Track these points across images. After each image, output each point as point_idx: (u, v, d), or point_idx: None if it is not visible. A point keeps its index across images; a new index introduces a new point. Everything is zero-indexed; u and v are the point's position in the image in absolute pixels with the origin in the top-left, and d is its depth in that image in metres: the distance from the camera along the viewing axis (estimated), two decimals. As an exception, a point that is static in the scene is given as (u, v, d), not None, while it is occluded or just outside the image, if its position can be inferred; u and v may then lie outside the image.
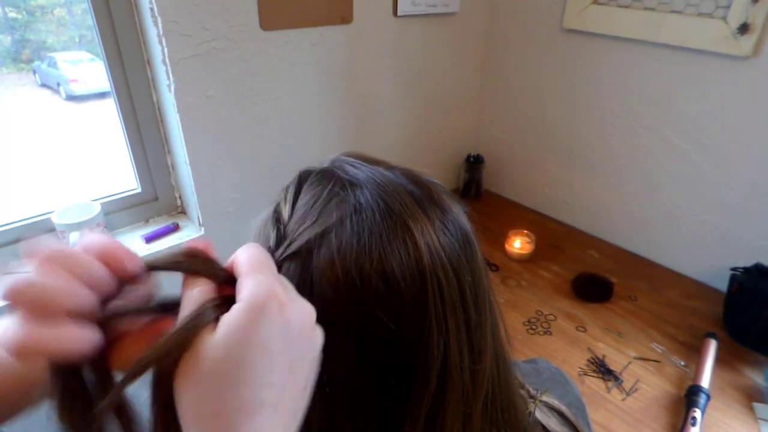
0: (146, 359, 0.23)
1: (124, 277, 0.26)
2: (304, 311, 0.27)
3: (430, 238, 0.33)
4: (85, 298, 0.24)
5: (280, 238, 0.34)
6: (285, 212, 0.36)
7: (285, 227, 0.35)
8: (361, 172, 0.36)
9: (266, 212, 0.39)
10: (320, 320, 0.32)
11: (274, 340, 0.24)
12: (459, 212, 0.36)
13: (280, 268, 0.33)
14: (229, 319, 0.23)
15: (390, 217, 0.33)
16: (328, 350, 0.33)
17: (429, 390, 0.33)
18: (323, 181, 0.36)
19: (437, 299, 0.32)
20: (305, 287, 0.32)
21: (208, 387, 0.23)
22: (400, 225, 0.32)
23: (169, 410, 0.23)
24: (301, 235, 0.33)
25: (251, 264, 0.26)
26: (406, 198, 0.34)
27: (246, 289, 0.24)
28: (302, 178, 0.38)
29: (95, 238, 0.26)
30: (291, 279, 0.32)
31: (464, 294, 0.34)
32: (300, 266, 0.33)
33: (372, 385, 0.33)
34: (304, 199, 0.36)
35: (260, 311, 0.24)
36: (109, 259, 0.25)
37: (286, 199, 0.37)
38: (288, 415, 0.25)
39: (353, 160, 0.38)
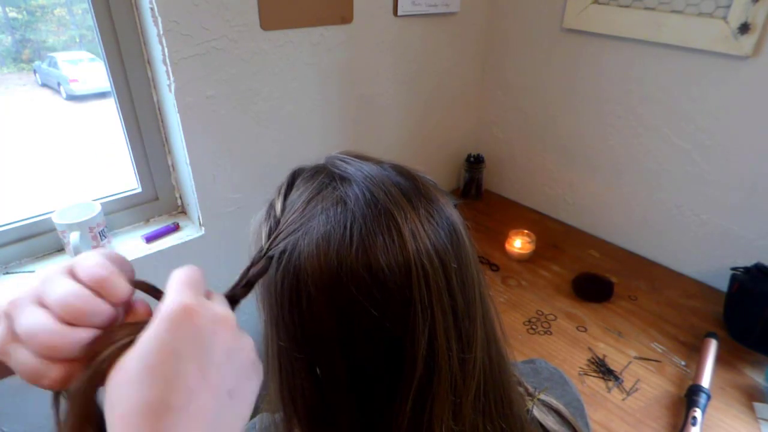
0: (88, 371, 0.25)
1: (116, 305, 0.28)
2: (219, 319, 0.27)
3: (415, 226, 0.33)
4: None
5: (272, 230, 0.35)
6: (278, 207, 0.37)
7: (277, 221, 0.36)
8: (350, 167, 0.37)
9: (262, 212, 0.39)
10: (308, 308, 0.33)
11: (183, 346, 0.25)
12: (446, 203, 0.37)
13: (270, 260, 0.34)
14: (144, 334, 0.25)
15: (375, 206, 0.33)
16: (316, 337, 0.33)
17: (416, 376, 0.33)
18: (314, 177, 0.38)
19: (422, 286, 0.32)
20: (292, 277, 0.33)
21: (120, 391, 0.24)
22: (384, 214, 0.33)
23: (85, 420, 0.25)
24: (288, 226, 0.34)
25: (173, 284, 0.28)
26: (391, 188, 0.35)
27: (161, 305, 0.26)
28: (295, 175, 0.40)
29: (90, 264, 0.27)
30: (279, 269, 0.33)
31: (450, 281, 0.34)
32: (287, 256, 0.33)
33: (360, 371, 0.34)
34: (296, 194, 0.37)
35: (169, 321, 0.25)
36: (102, 290, 0.27)
37: (279, 195, 0.38)
38: (206, 422, 0.25)
39: (344, 156, 0.39)
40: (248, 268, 0.33)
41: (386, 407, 0.34)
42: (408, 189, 0.36)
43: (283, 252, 0.34)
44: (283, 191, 0.38)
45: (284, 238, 0.34)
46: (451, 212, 0.37)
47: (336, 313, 0.33)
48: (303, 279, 0.33)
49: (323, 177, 0.37)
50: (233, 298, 0.32)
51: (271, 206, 0.38)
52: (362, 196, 0.34)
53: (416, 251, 0.32)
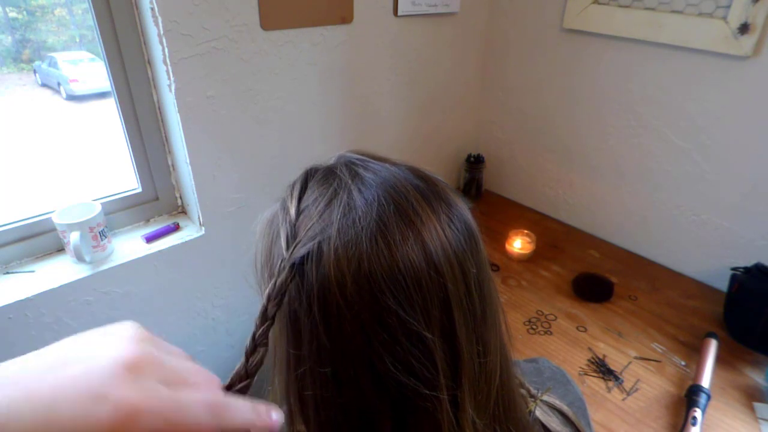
0: None
1: None
2: None
3: (436, 231, 0.33)
4: None
5: (290, 237, 0.34)
6: (292, 210, 0.36)
7: (294, 226, 0.35)
8: (366, 169, 0.36)
9: (270, 211, 0.39)
10: (332, 319, 0.32)
11: None
12: (463, 207, 0.37)
13: (291, 268, 0.33)
14: None
15: (396, 211, 0.33)
16: (340, 350, 0.33)
17: (442, 382, 0.33)
18: (329, 178, 0.37)
19: (444, 291, 0.32)
20: (318, 288, 0.32)
21: None
22: (405, 219, 0.33)
23: None
24: (307, 234, 0.33)
25: None
26: (411, 192, 0.34)
27: None
28: (308, 176, 0.38)
29: None
30: (300, 276, 0.33)
31: (469, 285, 0.34)
32: (309, 266, 0.33)
33: (384, 379, 0.33)
34: (311, 197, 0.36)
35: None
36: None
37: (291, 196, 0.37)
38: None
39: (359, 156, 0.39)
40: (275, 281, 0.32)
41: (409, 412, 0.33)
42: (427, 192, 0.35)
43: (303, 260, 0.33)
44: (296, 193, 0.37)
45: (303, 245, 0.33)
46: (468, 216, 0.36)
47: (361, 322, 0.32)
48: (327, 290, 0.32)
49: (338, 181, 0.36)
50: (267, 315, 0.32)
51: (285, 209, 0.36)
52: (382, 201, 0.33)
53: (438, 256, 0.32)
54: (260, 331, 0.32)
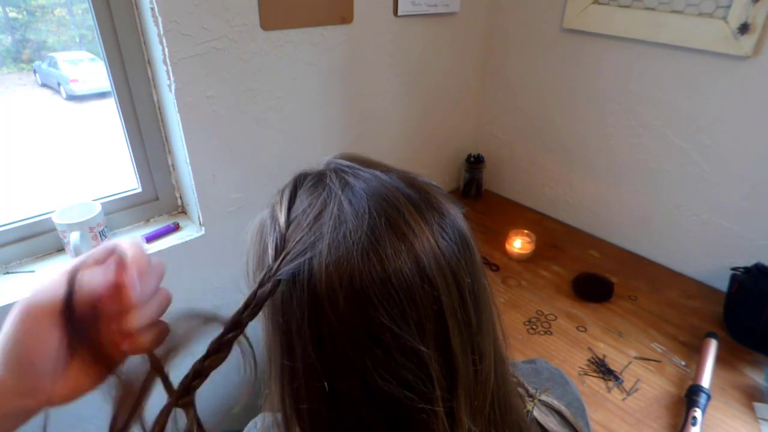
0: None
1: None
2: None
3: (429, 243, 0.32)
4: None
5: (279, 248, 0.34)
6: (281, 218, 0.35)
7: (283, 236, 0.34)
8: (356, 177, 0.36)
9: (259, 218, 0.38)
10: (325, 334, 0.32)
11: None
12: (457, 215, 0.36)
13: (279, 282, 0.32)
14: None
15: (387, 224, 0.32)
16: (334, 363, 0.32)
17: (437, 393, 0.32)
18: (318, 187, 0.36)
19: (438, 303, 0.32)
20: (309, 303, 0.32)
21: None
22: (397, 232, 0.32)
23: None
24: (296, 247, 0.33)
25: None
26: (402, 203, 0.34)
27: None
28: (297, 183, 0.38)
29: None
30: (291, 290, 0.32)
31: (464, 297, 0.33)
32: (300, 280, 0.32)
33: (379, 391, 0.32)
34: (301, 206, 0.35)
35: None
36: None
37: (281, 204, 0.36)
38: None
39: (349, 163, 0.38)
40: (255, 291, 0.32)
41: (404, 425, 0.33)
42: (419, 202, 0.34)
43: (294, 275, 0.32)
44: (286, 202, 0.36)
45: (293, 260, 0.32)
46: (462, 224, 0.36)
47: (353, 339, 0.31)
48: (319, 306, 0.31)
49: (329, 188, 0.35)
50: (240, 322, 0.31)
51: (274, 218, 0.36)
52: (373, 212, 0.32)
53: (431, 268, 0.32)
54: (228, 337, 0.31)
